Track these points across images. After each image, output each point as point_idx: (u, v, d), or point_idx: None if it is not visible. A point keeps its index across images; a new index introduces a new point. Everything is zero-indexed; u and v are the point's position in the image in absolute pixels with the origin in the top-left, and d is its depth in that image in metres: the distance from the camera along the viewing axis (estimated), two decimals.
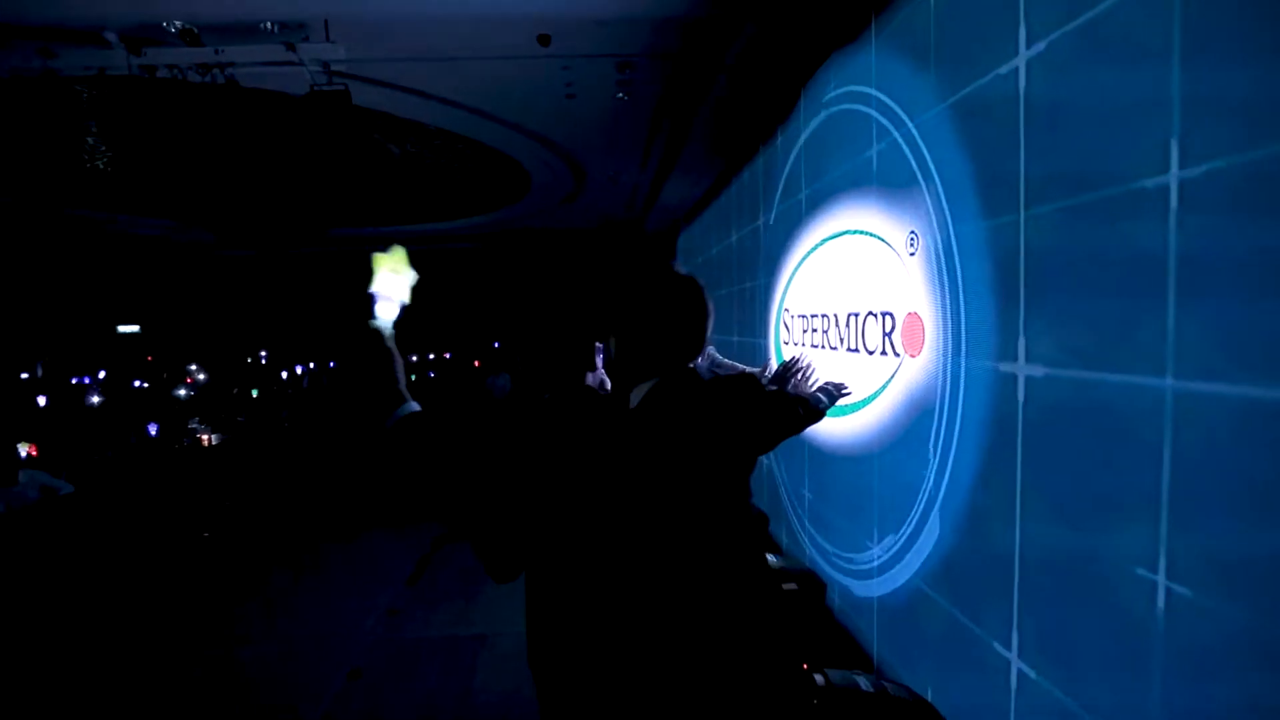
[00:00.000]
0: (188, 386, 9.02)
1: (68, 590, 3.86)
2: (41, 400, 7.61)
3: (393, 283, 1.05)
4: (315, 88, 4.43)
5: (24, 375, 7.32)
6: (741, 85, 4.42)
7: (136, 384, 8.91)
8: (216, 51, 4.29)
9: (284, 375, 10.02)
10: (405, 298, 1.07)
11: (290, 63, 4.29)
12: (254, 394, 8.37)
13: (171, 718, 2.59)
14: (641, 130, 6.38)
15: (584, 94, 5.59)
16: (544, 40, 4.62)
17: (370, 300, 1.05)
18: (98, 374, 8.27)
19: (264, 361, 11.47)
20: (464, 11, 4.14)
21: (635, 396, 1.12)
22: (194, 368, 9.39)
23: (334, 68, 4.66)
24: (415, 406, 1.05)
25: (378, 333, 1.04)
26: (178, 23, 4.15)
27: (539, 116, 6.19)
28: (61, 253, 9.41)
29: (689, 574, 1.06)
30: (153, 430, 6.27)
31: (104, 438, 6.28)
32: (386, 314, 1.06)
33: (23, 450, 5.21)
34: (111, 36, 4.15)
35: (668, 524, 1.05)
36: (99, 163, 5.96)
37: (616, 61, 5.04)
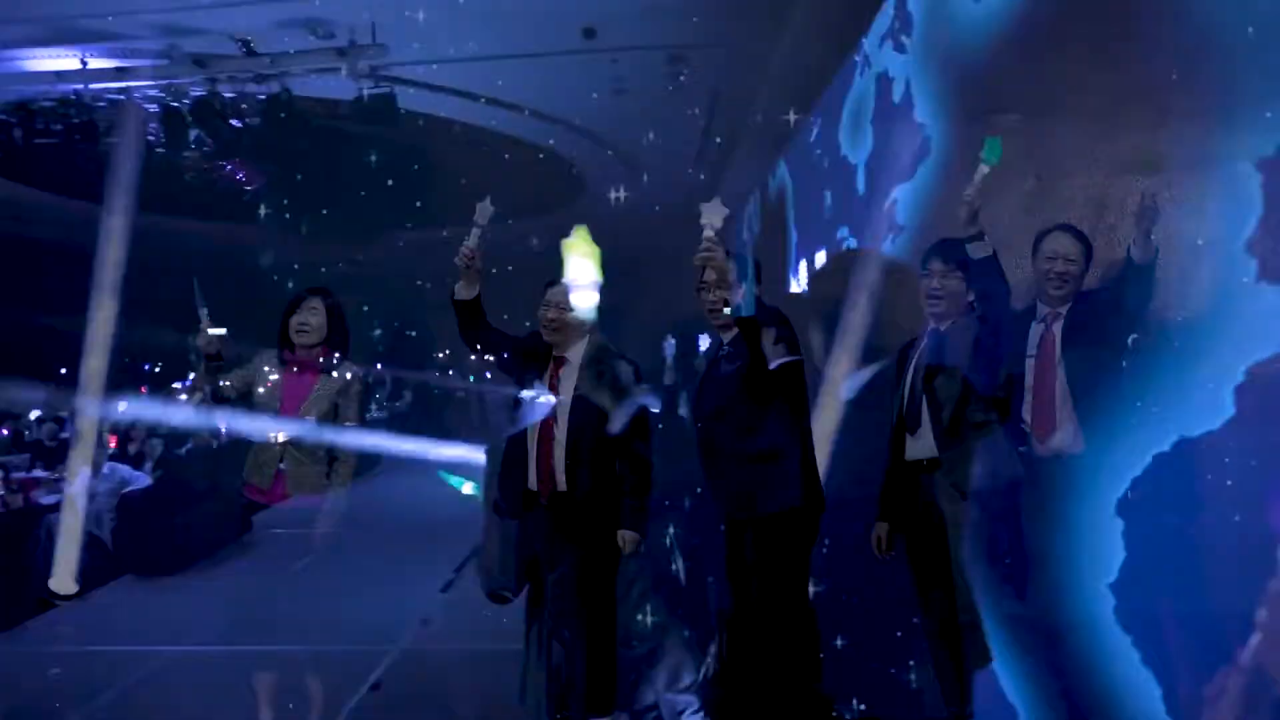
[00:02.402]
0: None
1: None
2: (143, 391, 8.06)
3: (587, 268, 0.99)
4: (363, 92, 4.48)
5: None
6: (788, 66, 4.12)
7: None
8: (270, 61, 4.41)
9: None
10: (599, 278, 1.02)
11: (337, 69, 4.35)
12: None
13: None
14: (696, 126, 6.12)
15: (635, 89, 5.39)
16: (589, 33, 4.49)
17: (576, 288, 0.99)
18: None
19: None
20: (505, 6, 4.08)
21: None
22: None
23: (384, 72, 4.70)
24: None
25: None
26: (242, 37, 4.30)
27: (589, 114, 6.05)
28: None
29: None
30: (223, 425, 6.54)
31: (185, 432, 6.62)
32: (589, 300, 1.00)
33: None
34: (175, 53, 4.35)
35: None
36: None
37: (668, 54, 4.85)
